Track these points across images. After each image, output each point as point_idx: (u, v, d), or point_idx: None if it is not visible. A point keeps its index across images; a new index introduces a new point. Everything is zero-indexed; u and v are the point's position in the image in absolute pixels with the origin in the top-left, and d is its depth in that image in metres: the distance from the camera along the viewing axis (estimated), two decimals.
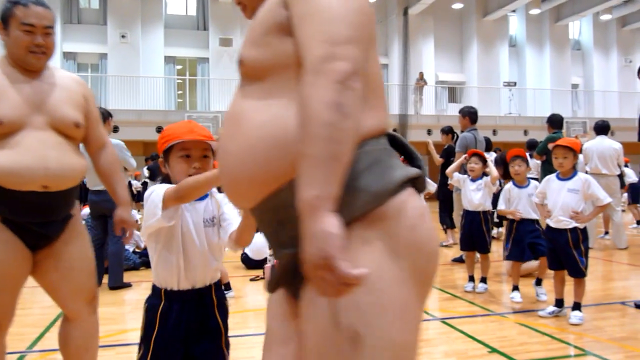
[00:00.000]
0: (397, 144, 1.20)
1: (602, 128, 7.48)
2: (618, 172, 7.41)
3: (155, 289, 1.87)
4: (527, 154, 5.11)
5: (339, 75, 0.94)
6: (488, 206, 5.02)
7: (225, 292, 4.89)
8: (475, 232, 4.92)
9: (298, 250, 0.96)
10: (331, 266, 0.88)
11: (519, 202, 4.63)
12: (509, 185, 4.76)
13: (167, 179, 1.84)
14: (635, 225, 10.27)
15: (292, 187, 1.00)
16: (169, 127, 1.85)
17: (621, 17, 22.01)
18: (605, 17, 21.62)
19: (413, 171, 1.10)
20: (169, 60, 19.40)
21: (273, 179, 1.06)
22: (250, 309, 4.56)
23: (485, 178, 4.99)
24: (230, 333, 3.91)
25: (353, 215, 1.01)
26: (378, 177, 1.05)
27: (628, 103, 21.65)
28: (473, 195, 4.97)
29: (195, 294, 1.84)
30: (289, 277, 1.12)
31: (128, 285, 5.39)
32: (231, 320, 4.31)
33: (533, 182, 4.71)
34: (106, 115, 5.41)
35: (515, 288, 4.64)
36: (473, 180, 5.04)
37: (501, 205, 4.73)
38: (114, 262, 5.32)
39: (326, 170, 0.92)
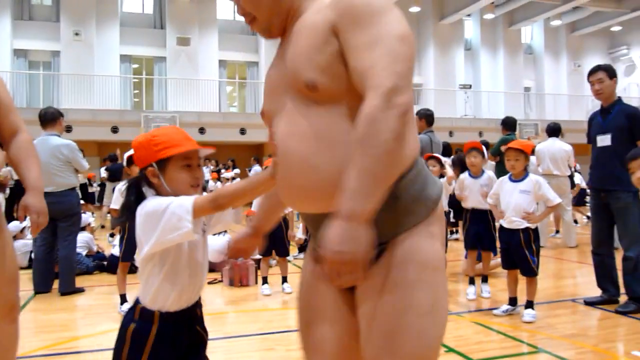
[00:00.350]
0: None
1: (554, 130, 7.71)
2: (569, 173, 7.66)
3: (145, 312, 1.63)
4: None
5: (404, 108, 1.14)
6: (444, 207, 5.10)
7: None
8: (484, 230, 4.83)
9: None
10: (355, 267, 1.13)
11: (471, 191, 4.79)
12: (464, 174, 4.91)
13: (154, 190, 1.64)
14: (586, 221, 10.66)
15: (382, 213, 1.23)
16: (161, 134, 1.65)
17: (570, 23, 22.81)
18: (556, 22, 22.37)
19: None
20: (125, 59, 18.95)
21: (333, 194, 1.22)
22: (207, 313, 4.48)
23: (441, 179, 5.07)
24: None
25: (422, 219, 1.32)
26: (432, 188, 1.35)
27: (577, 106, 22.45)
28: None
29: (189, 311, 1.69)
30: None
31: (80, 290, 5.22)
32: None
33: (487, 173, 4.82)
34: (57, 115, 5.24)
35: (471, 281, 4.79)
36: None
37: (456, 192, 4.91)
38: (65, 267, 5.15)
39: (379, 188, 1.15)
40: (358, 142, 1.14)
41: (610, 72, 4.41)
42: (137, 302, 1.66)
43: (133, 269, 5.82)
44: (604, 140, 4.39)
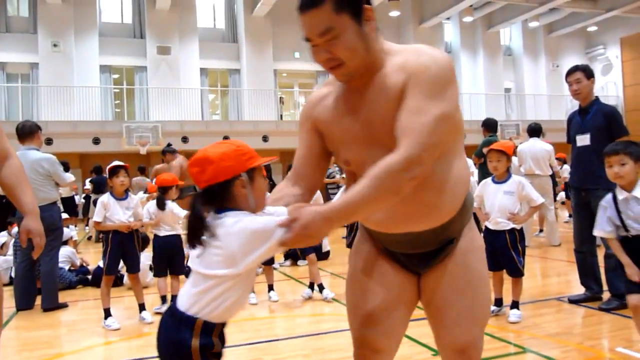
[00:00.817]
0: None
1: (535, 130, 7.81)
2: (550, 173, 7.75)
3: (207, 327, 1.50)
4: None
5: (415, 176, 1.43)
6: None
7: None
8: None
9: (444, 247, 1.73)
10: (309, 243, 1.46)
11: None
12: None
13: (227, 203, 1.52)
14: (567, 218, 10.78)
15: (457, 217, 1.72)
16: (242, 144, 1.57)
17: (548, 24, 23.13)
18: (533, 24, 22.66)
19: None
20: (105, 69, 18.78)
21: (454, 211, 1.69)
22: None
23: None
24: None
25: (469, 217, 1.79)
26: (470, 197, 1.78)
27: (556, 105, 22.74)
28: None
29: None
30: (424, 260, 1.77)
31: (64, 305, 5.15)
32: None
33: (471, 178, 4.86)
34: (34, 129, 5.17)
35: None
36: None
37: None
38: (48, 282, 5.08)
39: (362, 214, 1.49)
40: (372, 177, 1.41)
41: (588, 72, 4.47)
42: (192, 317, 1.49)
43: (117, 282, 5.76)
44: (583, 139, 4.45)
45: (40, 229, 2.17)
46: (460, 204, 1.69)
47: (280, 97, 20.89)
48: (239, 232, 1.44)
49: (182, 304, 1.51)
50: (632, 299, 2.90)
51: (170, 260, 4.77)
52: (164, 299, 4.80)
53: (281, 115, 20.60)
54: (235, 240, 1.44)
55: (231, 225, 1.45)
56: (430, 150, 1.44)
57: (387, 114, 1.52)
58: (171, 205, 4.83)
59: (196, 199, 1.52)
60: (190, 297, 1.51)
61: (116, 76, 19.56)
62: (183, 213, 4.77)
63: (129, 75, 19.51)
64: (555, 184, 8.92)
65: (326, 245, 7.28)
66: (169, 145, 8.39)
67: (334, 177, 10.41)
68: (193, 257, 1.54)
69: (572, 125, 4.64)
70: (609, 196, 3.07)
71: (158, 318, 4.51)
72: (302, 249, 5.13)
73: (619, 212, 2.99)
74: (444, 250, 1.72)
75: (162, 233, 4.76)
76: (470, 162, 4.93)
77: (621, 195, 2.99)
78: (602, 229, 3.07)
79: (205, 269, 1.49)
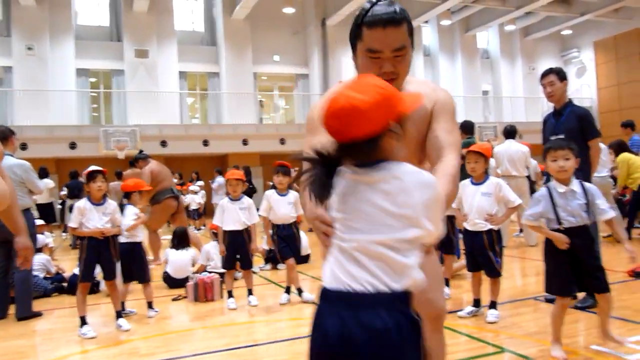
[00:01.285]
0: None
1: (510, 132, 7.91)
2: (527, 174, 7.86)
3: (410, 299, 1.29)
4: None
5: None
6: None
7: (150, 310, 4.73)
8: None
9: None
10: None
11: None
12: None
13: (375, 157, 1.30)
14: None
15: None
16: (388, 84, 1.35)
17: (524, 27, 23.48)
18: (510, 27, 22.98)
19: None
20: (82, 72, 18.51)
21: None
22: (173, 331, 4.39)
23: None
24: (149, 358, 3.76)
25: None
26: None
27: (533, 107, 23.08)
28: None
29: None
30: None
31: (38, 314, 5.04)
32: (152, 344, 4.14)
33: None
34: (7, 134, 5.07)
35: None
36: None
37: None
38: (21, 291, 4.97)
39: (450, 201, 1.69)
40: (449, 174, 1.68)
41: (561, 75, 4.54)
42: (403, 294, 1.23)
43: (94, 289, 5.67)
44: None
45: (31, 245, 2.30)
46: None
47: (260, 101, 20.84)
48: (430, 187, 1.27)
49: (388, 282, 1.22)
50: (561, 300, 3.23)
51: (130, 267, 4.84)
52: (123, 304, 4.80)
53: (261, 119, 20.57)
54: (428, 197, 1.26)
55: (423, 179, 1.26)
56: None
57: (423, 128, 1.86)
58: (128, 210, 4.87)
59: (325, 159, 1.29)
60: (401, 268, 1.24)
61: (93, 80, 19.31)
62: (128, 219, 4.78)
63: (107, 78, 19.29)
64: (532, 184, 9.03)
65: (307, 249, 7.26)
66: (140, 152, 8.33)
67: None
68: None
69: (546, 127, 4.71)
70: (544, 190, 3.21)
71: (134, 326, 4.46)
72: (281, 253, 5.10)
73: (554, 205, 3.12)
74: None
75: (121, 239, 4.76)
76: None
77: (561, 188, 3.13)
78: (530, 218, 3.23)
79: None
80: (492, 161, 8.58)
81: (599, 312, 3.34)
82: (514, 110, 23.05)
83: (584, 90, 23.89)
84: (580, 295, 4.48)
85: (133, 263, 4.81)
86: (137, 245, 4.81)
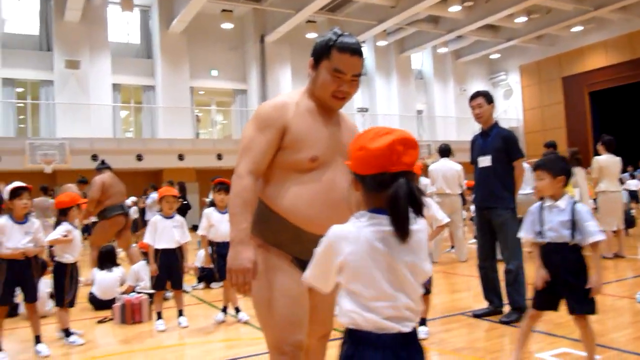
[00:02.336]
0: None
1: (444, 151, 8.18)
2: (460, 192, 8.12)
3: None
4: None
5: None
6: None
7: (67, 337, 4.47)
8: None
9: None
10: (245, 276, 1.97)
11: None
12: None
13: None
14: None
15: None
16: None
17: (455, 50, 24.47)
18: (442, 50, 23.88)
19: None
20: (8, 82, 17.58)
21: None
22: (97, 356, 4.20)
23: None
24: None
25: None
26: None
27: (464, 127, 24.00)
28: None
29: None
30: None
31: None
32: None
33: None
34: None
35: None
36: None
37: None
38: None
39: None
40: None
41: (488, 98, 4.77)
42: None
43: (13, 313, 5.34)
44: (484, 161, 4.71)
45: None
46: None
47: (197, 115, 20.54)
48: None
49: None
50: (532, 311, 3.20)
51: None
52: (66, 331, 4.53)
53: (197, 134, 20.25)
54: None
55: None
56: None
57: (347, 139, 2.02)
58: (60, 228, 4.53)
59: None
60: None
61: (20, 90, 18.40)
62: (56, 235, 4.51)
63: (34, 89, 18.42)
64: (464, 202, 9.35)
65: None
66: (102, 162, 7.89)
67: None
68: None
69: (474, 147, 4.91)
70: (537, 204, 3.28)
71: (55, 351, 4.23)
72: (220, 272, 5.02)
73: (541, 220, 3.19)
74: None
75: (65, 259, 4.49)
76: None
77: (548, 203, 3.19)
78: (525, 232, 3.30)
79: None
80: (423, 179, 8.85)
81: (583, 340, 3.15)
82: (446, 129, 23.89)
83: (511, 111, 25.11)
84: (506, 309, 4.67)
85: (55, 284, 4.54)
86: (62, 267, 4.52)
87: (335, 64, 2.07)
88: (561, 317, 3.64)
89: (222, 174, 12.74)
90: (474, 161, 4.87)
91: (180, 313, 4.95)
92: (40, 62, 17.99)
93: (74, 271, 4.56)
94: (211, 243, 5.15)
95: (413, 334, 1.47)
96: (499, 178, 4.63)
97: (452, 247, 9.21)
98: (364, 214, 1.48)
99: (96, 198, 7.23)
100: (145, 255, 5.90)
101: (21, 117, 18.33)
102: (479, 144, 4.83)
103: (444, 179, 7.87)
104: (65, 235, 4.45)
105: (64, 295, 4.49)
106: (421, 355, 1.48)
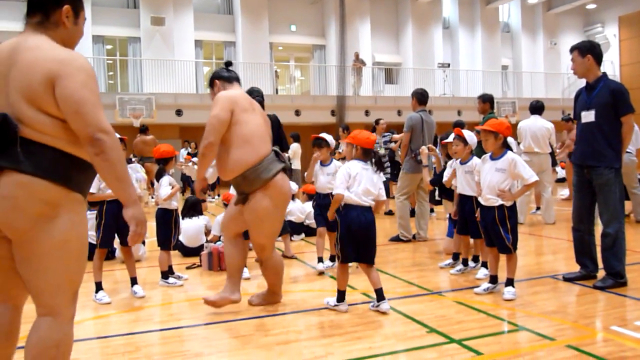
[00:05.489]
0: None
1: (536, 108, 7.73)
2: (550, 151, 7.68)
3: None
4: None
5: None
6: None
7: (163, 280, 4.73)
8: (469, 216, 4.68)
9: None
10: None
11: (457, 177, 4.87)
12: (454, 161, 5.00)
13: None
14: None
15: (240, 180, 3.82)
16: None
17: (546, 1, 22.85)
18: (532, 0, 22.38)
19: (279, 166, 3.82)
20: (98, 39, 18.42)
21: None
22: (187, 299, 4.41)
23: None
24: (163, 325, 3.77)
25: (256, 187, 3.77)
26: (252, 174, 3.75)
27: (553, 84, 22.62)
28: (464, 178, 4.83)
29: None
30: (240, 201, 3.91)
31: None
32: (166, 311, 4.16)
33: (474, 160, 4.77)
34: None
35: (456, 257, 5.13)
36: (462, 163, 4.88)
37: (445, 178, 5.19)
38: None
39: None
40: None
41: (581, 50, 4.38)
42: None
43: (110, 256, 5.71)
44: (588, 116, 4.36)
45: (143, 217, 2.16)
46: (238, 174, 3.75)
47: (276, 71, 20.64)
48: None
49: None
50: None
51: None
52: (164, 274, 4.82)
53: (276, 89, 20.39)
54: None
55: None
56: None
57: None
58: (164, 180, 4.80)
59: None
60: None
61: (109, 47, 19.22)
62: (164, 189, 4.75)
63: (123, 46, 19.18)
64: (554, 162, 8.84)
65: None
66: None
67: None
68: None
69: (578, 102, 4.55)
70: None
71: (150, 292, 4.49)
72: (315, 221, 5.47)
73: None
74: (247, 197, 3.81)
75: (173, 206, 4.80)
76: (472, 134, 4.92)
77: None
78: None
79: None
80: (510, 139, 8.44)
81: None
82: (534, 86, 22.58)
83: (606, 66, 23.29)
84: (600, 274, 4.42)
85: (159, 228, 4.82)
86: (168, 213, 4.80)
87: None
88: None
89: (300, 130, 12.85)
90: (577, 117, 4.54)
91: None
92: (127, 19, 18.64)
93: (177, 217, 4.87)
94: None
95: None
96: (603, 134, 4.28)
97: (538, 208, 8.80)
98: None
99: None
100: (225, 206, 6.08)
101: (110, 73, 19.20)
102: (583, 98, 4.47)
103: (532, 137, 7.47)
104: (172, 187, 4.78)
105: (170, 239, 4.78)
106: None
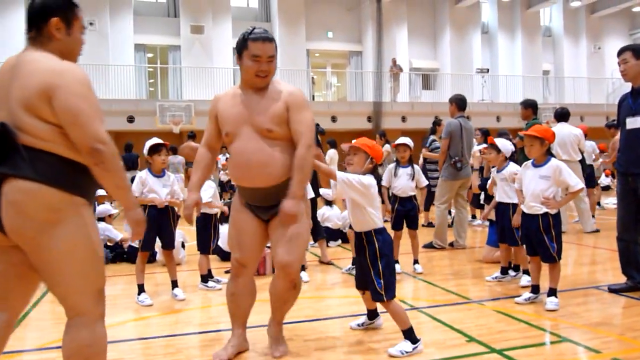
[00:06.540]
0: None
1: (562, 115, 7.54)
2: (579, 158, 7.44)
3: None
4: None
5: (312, 153, 3.02)
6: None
7: (203, 284, 4.81)
8: (508, 224, 4.65)
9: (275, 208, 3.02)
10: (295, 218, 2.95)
11: (500, 186, 4.80)
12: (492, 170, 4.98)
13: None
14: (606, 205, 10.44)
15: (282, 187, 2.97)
16: None
17: (590, 4, 22.29)
18: (575, 4, 21.87)
19: None
20: (140, 48, 18.94)
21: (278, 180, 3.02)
22: (225, 303, 4.45)
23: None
24: (202, 328, 3.82)
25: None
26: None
27: (597, 89, 22.01)
28: (501, 186, 4.80)
29: None
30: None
31: None
32: (206, 314, 4.21)
33: (511, 167, 4.71)
34: None
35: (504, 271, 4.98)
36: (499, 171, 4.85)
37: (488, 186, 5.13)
38: None
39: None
40: (299, 166, 2.96)
41: (637, 52, 4.25)
42: None
43: (152, 259, 5.84)
44: (633, 122, 4.23)
45: (143, 219, 2.34)
46: (283, 180, 2.95)
47: (312, 77, 20.75)
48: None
49: None
50: None
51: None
52: (203, 277, 4.90)
53: (313, 96, 20.50)
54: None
55: None
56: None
57: (261, 108, 2.98)
58: (205, 184, 4.88)
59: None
60: None
61: (150, 55, 19.72)
62: (206, 192, 4.86)
63: (163, 54, 19.66)
64: (589, 169, 8.53)
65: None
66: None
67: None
68: None
69: (622, 108, 4.42)
70: None
71: (189, 295, 4.56)
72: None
73: None
74: (275, 208, 2.98)
75: (212, 211, 4.91)
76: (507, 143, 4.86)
77: None
78: None
79: None
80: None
81: None
82: (576, 91, 22.01)
83: None
84: None
85: (199, 233, 4.92)
86: (208, 217, 4.89)
87: (252, 51, 2.95)
88: None
89: (336, 136, 12.87)
90: (621, 124, 4.41)
91: (303, 268, 5.08)
92: (167, 28, 19.10)
93: (216, 221, 4.97)
94: None
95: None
96: None
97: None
98: None
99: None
100: None
101: (151, 80, 19.68)
102: (628, 104, 4.34)
103: (560, 144, 7.23)
104: (214, 195, 4.94)
105: (209, 244, 4.88)
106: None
